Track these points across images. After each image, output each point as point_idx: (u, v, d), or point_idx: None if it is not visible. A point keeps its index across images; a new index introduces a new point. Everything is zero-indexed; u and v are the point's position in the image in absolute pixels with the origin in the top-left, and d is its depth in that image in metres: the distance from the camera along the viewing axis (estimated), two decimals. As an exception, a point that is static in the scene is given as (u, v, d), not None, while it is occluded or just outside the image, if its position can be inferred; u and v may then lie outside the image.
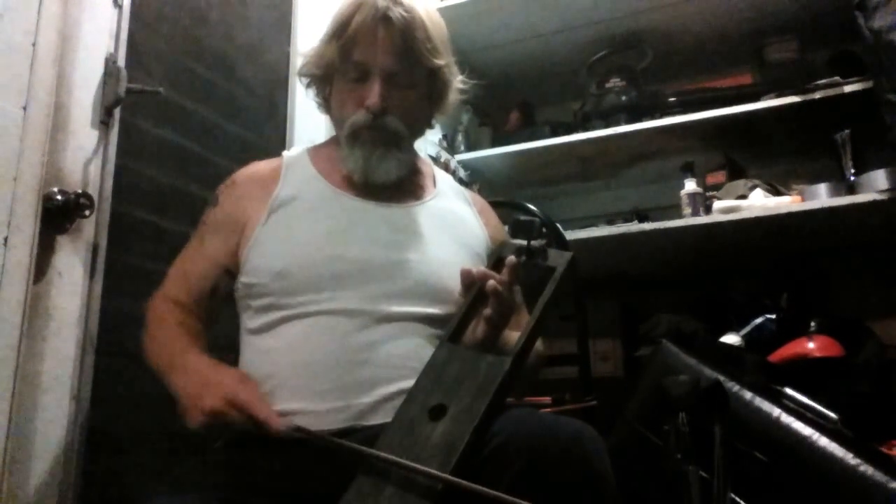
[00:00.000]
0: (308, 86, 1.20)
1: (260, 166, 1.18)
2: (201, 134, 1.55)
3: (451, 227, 1.16)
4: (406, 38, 1.08)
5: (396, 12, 1.07)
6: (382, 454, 0.80)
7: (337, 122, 1.16)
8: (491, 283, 0.94)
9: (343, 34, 1.09)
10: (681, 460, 1.22)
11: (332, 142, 1.23)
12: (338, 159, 1.15)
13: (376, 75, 1.08)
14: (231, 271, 1.10)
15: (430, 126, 1.24)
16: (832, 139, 2.01)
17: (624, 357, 2.36)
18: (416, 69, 1.11)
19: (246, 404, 0.88)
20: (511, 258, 0.96)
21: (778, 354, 1.79)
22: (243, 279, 1.07)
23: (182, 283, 1.10)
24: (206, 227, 1.13)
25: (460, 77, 1.20)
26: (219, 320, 1.13)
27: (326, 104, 1.20)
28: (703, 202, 2.08)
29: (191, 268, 1.11)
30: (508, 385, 0.87)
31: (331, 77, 1.15)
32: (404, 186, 1.16)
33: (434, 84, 1.16)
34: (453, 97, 1.20)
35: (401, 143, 1.13)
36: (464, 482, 0.75)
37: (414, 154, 1.22)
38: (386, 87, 1.08)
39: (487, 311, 0.95)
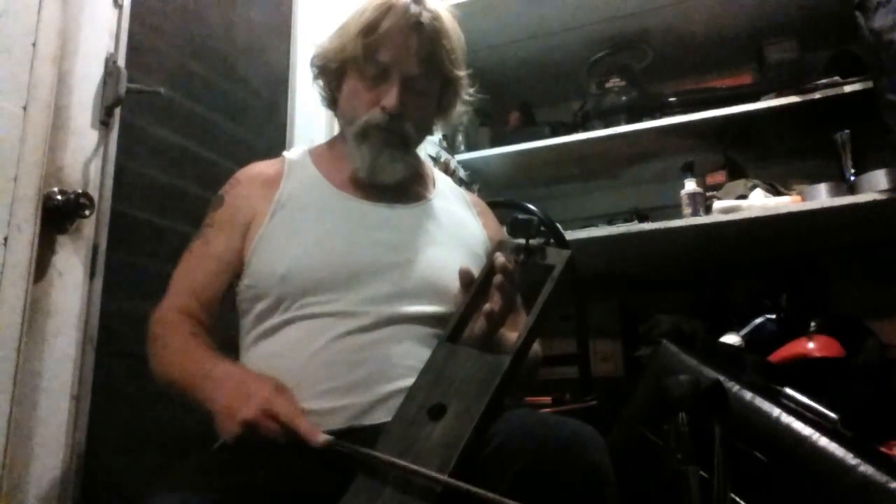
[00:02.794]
0: (316, 77, 1.19)
1: (262, 166, 1.18)
2: (201, 134, 1.55)
3: (450, 227, 1.16)
4: (434, 46, 1.09)
5: (427, 19, 1.08)
6: (410, 465, 0.78)
7: (346, 118, 1.15)
8: (498, 277, 0.94)
9: (371, 33, 1.08)
10: (681, 460, 1.22)
11: (334, 142, 1.23)
12: (340, 160, 1.15)
13: (397, 78, 1.08)
14: (238, 272, 1.08)
15: (432, 133, 1.25)
16: (832, 139, 2.00)
17: (624, 357, 2.36)
18: (434, 77, 1.12)
19: (285, 416, 0.85)
20: (500, 259, 0.95)
21: (778, 354, 1.79)
22: (245, 281, 1.07)
23: (188, 292, 1.06)
24: (212, 230, 1.11)
25: (470, 90, 1.21)
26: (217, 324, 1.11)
27: (333, 98, 1.19)
28: (703, 202, 2.08)
29: (198, 275, 1.07)
30: (508, 384, 0.87)
31: (344, 72, 1.14)
32: (405, 188, 1.16)
33: (446, 93, 1.18)
34: (460, 108, 1.21)
35: (409, 146, 1.14)
36: (463, 485, 0.75)
37: (416, 158, 1.22)
38: (404, 92, 1.08)
39: (489, 306, 0.94)
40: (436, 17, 1.10)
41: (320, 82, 1.19)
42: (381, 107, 1.08)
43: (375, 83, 1.10)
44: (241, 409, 0.85)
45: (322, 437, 0.84)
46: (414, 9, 1.08)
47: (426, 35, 1.09)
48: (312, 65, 1.19)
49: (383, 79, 1.09)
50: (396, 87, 1.08)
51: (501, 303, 0.94)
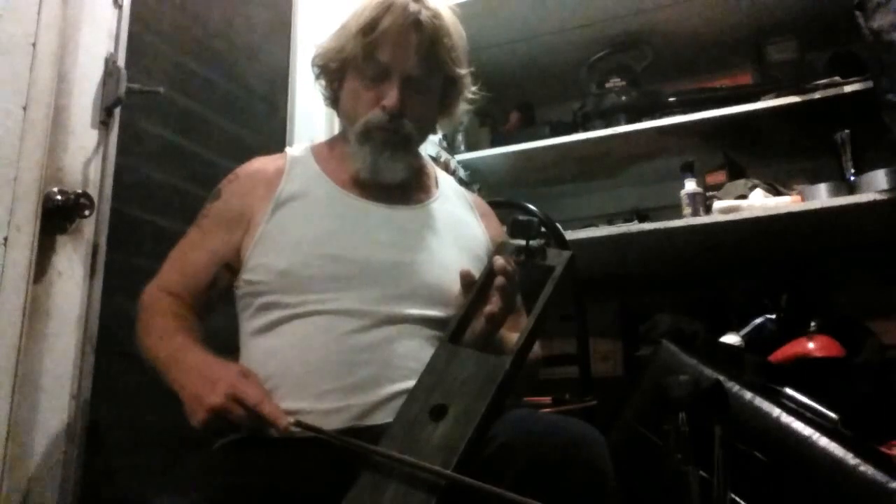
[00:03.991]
0: (318, 77, 1.19)
1: (264, 162, 1.17)
2: (201, 134, 1.55)
3: (453, 229, 1.16)
4: (433, 44, 1.09)
5: (426, 17, 1.08)
6: (383, 449, 0.80)
7: (347, 117, 1.15)
8: (500, 279, 0.94)
9: (371, 32, 1.08)
10: (681, 460, 1.22)
11: (337, 140, 1.23)
12: (342, 158, 1.15)
13: (397, 77, 1.08)
14: (231, 266, 1.09)
15: (435, 132, 1.25)
16: (832, 139, 2.01)
17: (624, 357, 2.36)
18: (435, 75, 1.12)
19: (250, 400, 0.87)
20: (500, 261, 0.96)
21: (778, 354, 1.79)
22: (245, 276, 1.07)
23: (179, 274, 1.09)
24: (207, 220, 1.12)
25: (472, 88, 1.21)
26: (213, 314, 1.12)
27: (335, 98, 1.19)
28: (703, 202, 2.08)
29: (189, 260, 1.09)
30: (509, 385, 0.87)
31: (344, 71, 1.14)
32: (408, 188, 1.16)
33: (448, 92, 1.17)
34: (463, 107, 1.21)
35: (410, 146, 1.14)
36: (467, 479, 0.75)
37: (419, 156, 1.22)
38: (405, 91, 1.08)
39: (489, 307, 0.94)
40: (435, 15, 1.09)
41: (322, 82, 1.19)
42: (381, 106, 1.08)
43: (376, 83, 1.09)
44: (208, 395, 0.87)
45: (286, 420, 0.86)
46: (413, 7, 1.08)
47: (426, 33, 1.08)
48: (313, 65, 1.19)
49: (383, 78, 1.09)
50: (396, 87, 1.08)
51: (501, 304, 0.94)
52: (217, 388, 0.88)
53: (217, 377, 0.90)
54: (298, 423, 0.87)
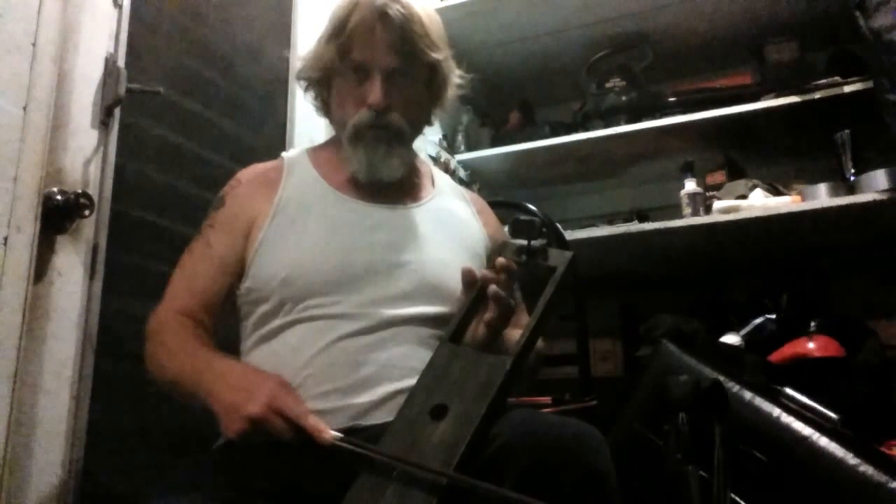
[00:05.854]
0: (307, 89, 1.20)
1: (263, 167, 1.18)
2: (201, 134, 1.55)
3: (450, 227, 1.16)
4: (404, 34, 1.08)
5: (394, 9, 1.08)
6: (413, 461, 0.79)
7: (338, 123, 1.16)
8: (493, 287, 0.94)
9: (341, 34, 1.09)
10: (681, 460, 1.22)
11: (332, 143, 1.23)
12: (338, 161, 1.15)
13: (376, 73, 1.08)
14: (240, 274, 1.08)
15: (430, 123, 1.24)
16: (832, 139, 2.01)
17: (624, 357, 2.36)
18: (415, 65, 1.11)
19: (291, 412, 0.85)
20: (500, 259, 0.96)
21: (778, 354, 1.79)
22: (246, 284, 1.07)
23: (189, 292, 1.06)
24: (213, 230, 1.10)
25: (458, 72, 1.20)
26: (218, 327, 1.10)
27: (325, 107, 1.19)
28: (703, 202, 2.08)
29: (199, 274, 1.07)
30: (510, 385, 0.87)
31: (329, 79, 1.15)
32: (404, 187, 1.16)
33: (433, 79, 1.17)
34: (452, 92, 1.20)
35: (403, 139, 1.14)
36: (469, 479, 0.75)
37: (413, 153, 1.22)
38: (387, 85, 1.08)
39: (488, 314, 0.94)
40: (403, 6, 1.09)
41: (311, 93, 1.20)
42: (366, 105, 1.08)
43: (358, 83, 1.10)
44: (247, 405, 0.85)
45: (329, 434, 0.84)
46: (378, 1, 1.08)
47: (395, 25, 1.08)
48: (298, 78, 1.19)
49: (364, 77, 1.09)
50: (377, 83, 1.08)
51: (499, 311, 0.94)
52: (256, 398, 0.85)
53: (256, 387, 0.87)
54: (341, 439, 0.84)
